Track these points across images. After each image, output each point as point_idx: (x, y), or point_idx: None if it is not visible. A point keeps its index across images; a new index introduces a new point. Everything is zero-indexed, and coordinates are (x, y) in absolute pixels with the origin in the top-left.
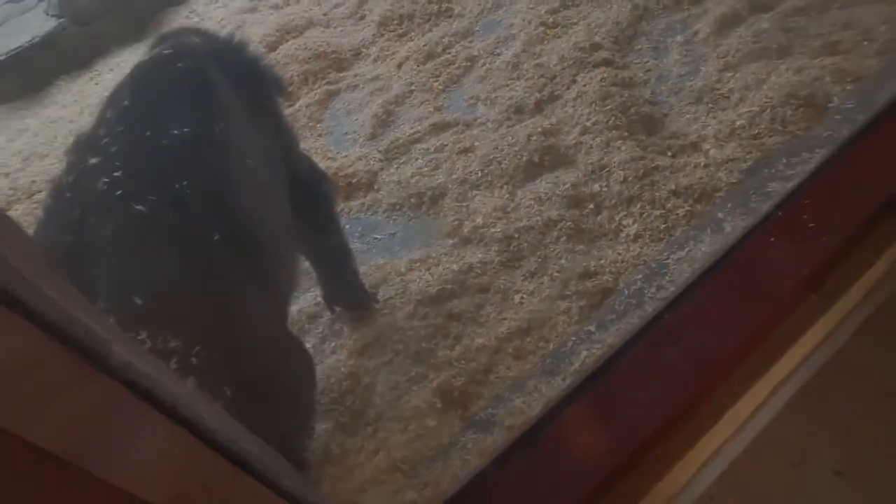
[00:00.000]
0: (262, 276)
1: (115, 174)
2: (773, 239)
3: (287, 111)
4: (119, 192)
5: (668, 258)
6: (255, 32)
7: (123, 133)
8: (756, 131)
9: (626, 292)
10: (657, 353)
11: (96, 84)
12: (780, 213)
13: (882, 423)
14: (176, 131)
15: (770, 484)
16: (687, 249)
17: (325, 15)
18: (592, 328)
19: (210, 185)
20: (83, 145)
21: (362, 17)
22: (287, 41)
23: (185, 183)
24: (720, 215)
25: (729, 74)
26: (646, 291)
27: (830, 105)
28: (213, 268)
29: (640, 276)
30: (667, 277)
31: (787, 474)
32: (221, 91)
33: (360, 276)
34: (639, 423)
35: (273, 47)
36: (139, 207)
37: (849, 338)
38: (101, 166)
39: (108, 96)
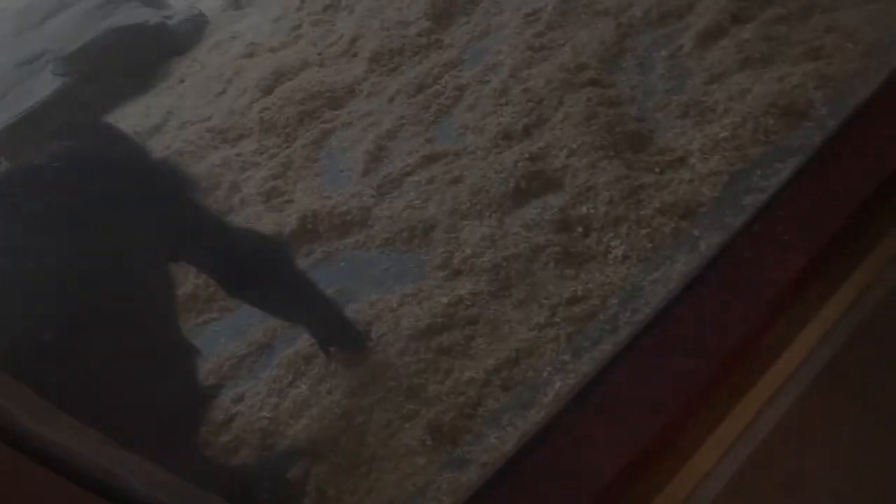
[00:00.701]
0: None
1: None
2: (748, 254)
3: (283, 153)
4: None
5: (643, 280)
6: (252, 77)
7: None
8: (739, 143)
9: (602, 318)
10: (633, 380)
11: None
12: (755, 227)
13: (878, 439)
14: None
15: None
16: (662, 270)
17: (319, 55)
18: (567, 357)
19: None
20: None
21: (355, 55)
22: (283, 83)
23: None
24: (696, 233)
25: (714, 87)
26: (620, 316)
27: (812, 111)
28: None
29: (616, 300)
30: (642, 300)
31: (785, 495)
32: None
33: (347, 316)
34: (614, 455)
35: (269, 91)
36: None
37: (837, 352)
38: None
39: None
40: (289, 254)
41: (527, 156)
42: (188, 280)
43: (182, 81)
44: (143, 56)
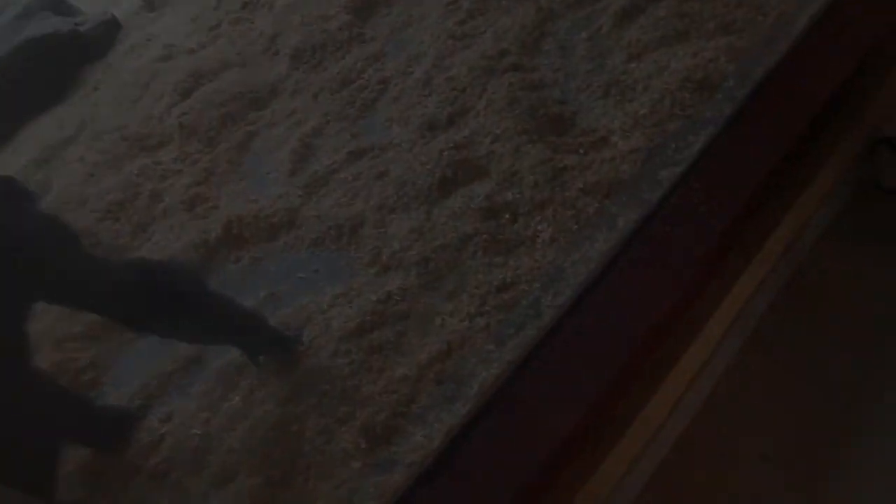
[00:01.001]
0: None
1: None
2: (667, 228)
3: (206, 159)
4: None
5: (564, 262)
6: (169, 81)
7: None
8: (657, 119)
9: (524, 303)
10: (558, 364)
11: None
12: (672, 201)
13: (805, 400)
14: None
15: (701, 477)
16: (583, 250)
17: (238, 54)
18: (492, 346)
19: None
20: None
21: (276, 53)
22: (202, 86)
23: None
24: (615, 210)
25: (633, 65)
26: (543, 300)
27: (723, 84)
28: None
29: (539, 284)
30: (563, 282)
31: (717, 464)
32: None
33: (272, 325)
34: (545, 438)
35: (187, 94)
36: None
37: (763, 314)
38: None
39: None
40: (193, 278)
41: (451, 145)
42: None
43: (96, 89)
44: (56, 66)
